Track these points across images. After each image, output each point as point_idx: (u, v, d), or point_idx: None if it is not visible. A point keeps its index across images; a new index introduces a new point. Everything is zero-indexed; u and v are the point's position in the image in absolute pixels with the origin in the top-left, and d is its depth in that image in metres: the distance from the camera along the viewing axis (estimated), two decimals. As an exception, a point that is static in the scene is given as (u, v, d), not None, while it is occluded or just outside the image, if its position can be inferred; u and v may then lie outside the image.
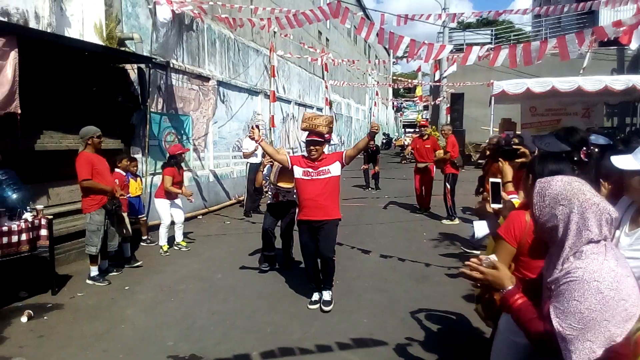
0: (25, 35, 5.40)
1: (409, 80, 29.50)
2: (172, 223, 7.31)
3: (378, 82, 33.72)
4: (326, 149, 11.61)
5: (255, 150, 9.82)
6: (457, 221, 9.27)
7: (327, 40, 24.45)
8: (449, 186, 9.27)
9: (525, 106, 12.50)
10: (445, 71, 18.56)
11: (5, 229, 4.73)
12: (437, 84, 22.17)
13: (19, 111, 5.27)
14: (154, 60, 8.29)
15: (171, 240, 7.45)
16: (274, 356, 3.93)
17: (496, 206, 2.45)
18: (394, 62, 30.45)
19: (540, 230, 1.75)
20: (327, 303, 4.88)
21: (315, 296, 5.03)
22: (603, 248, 1.60)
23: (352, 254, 7.06)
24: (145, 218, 7.74)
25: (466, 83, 19.54)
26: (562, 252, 1.65)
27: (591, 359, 1.49)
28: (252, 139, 4.88)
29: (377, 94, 37.25)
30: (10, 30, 5.22)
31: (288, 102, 17.15)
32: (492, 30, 26.22)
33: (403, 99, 47.92)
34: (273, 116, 13.59)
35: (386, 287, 5.60)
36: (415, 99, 31.68)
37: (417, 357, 3.85)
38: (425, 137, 10.32)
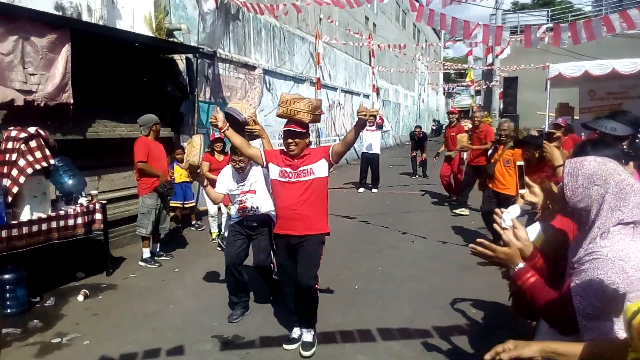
0: (78, 28, 5.67)
1: (460, 65, 28.60)
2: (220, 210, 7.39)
3: (428, 67, 32.96)
4: (377, 136, 11.40)
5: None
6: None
7: (375, 25, 24.09)
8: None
9: (584, 90, 11.85)
10: (497, 55, 17.92)
11: (62, 213, 5.01)
12: (490, 67, 21.41)
13: (71, 101, 5.56)
14: (201, 50, 8.48)
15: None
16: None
17: (522, 191, 2.35)
18: (444, 46, 29.64)
19: (571, 211, 1.69)
20: (308, 346, 3.74)
21: (295, 332, 3.94)
22: (631, 230, 1.55)
23: (394, 242, 7.01)
24: (194, 204, 7.98)
25: (520, 66, 18.76)
26: (590, 232, 1.61)
27: (609, 336, 1.48)
28: (215, 126, 3.73)
29: (427, 80, 36.47)
30: (63, 24, 5.50)
31: (334, 89, 17.10)
32: (548, 11, 24.96)
33: (455, 84, 46.67)
34: (319, 103, 13.61)
35: (427, 276, 5.53)
36: (466, 83, 30.74)
37: (460, 348, 3.80)
38: (453, 124, 9.95)
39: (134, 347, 3.88)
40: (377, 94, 22.46)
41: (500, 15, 20.42)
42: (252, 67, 10.90)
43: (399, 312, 4.49)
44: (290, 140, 3.59)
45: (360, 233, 7.66)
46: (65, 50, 5.42)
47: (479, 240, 1.87)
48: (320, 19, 14.31)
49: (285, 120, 3.67)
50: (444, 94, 52.89)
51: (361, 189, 11.57)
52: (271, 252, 4.47)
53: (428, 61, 32.34)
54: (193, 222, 8.00)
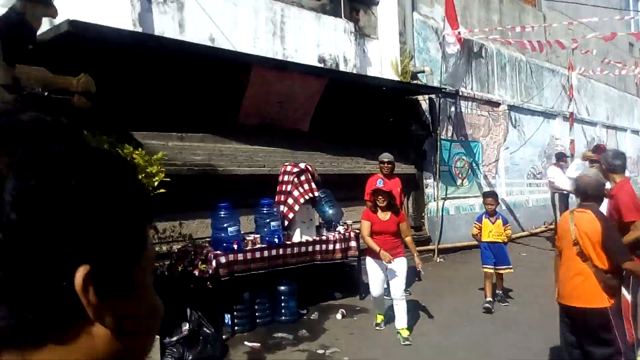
0: (336, 78, 6.43)
1: None
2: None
3: None
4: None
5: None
6: None
7: (641, 51, 20.66)
8: None
9: None
10: None
11: (324, 238, 5.59)
12: None
13: (306, 130, 6.37)
14: (443, 90, 8.59)
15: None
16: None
17: None
18: None
19: None
20: None
21: None
22: None
23: None
24: (510, 270, 5.78)
25: None
26: None
27: None
28: None
29: None
30: (324, 74, 6.32)
31: (593, 124, 15.10)
32: None
33: None
34: (573, 140, 12.22)
35: None
36: None
37: None
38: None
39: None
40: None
41: None
42: (496, 104, 10.48)
43: None
44: None
45: None
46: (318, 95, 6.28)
47: None
48: (573, 50, 12.97)
49: None
50: None
51: None
52: None
53: None
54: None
